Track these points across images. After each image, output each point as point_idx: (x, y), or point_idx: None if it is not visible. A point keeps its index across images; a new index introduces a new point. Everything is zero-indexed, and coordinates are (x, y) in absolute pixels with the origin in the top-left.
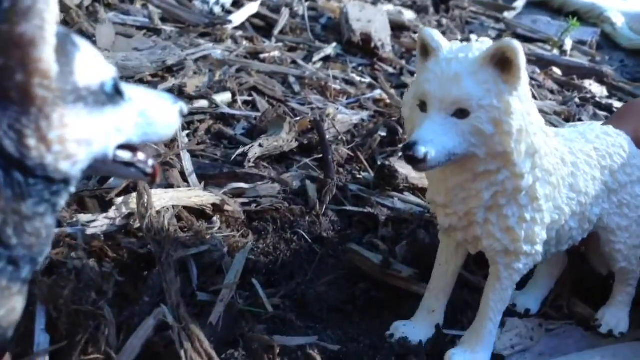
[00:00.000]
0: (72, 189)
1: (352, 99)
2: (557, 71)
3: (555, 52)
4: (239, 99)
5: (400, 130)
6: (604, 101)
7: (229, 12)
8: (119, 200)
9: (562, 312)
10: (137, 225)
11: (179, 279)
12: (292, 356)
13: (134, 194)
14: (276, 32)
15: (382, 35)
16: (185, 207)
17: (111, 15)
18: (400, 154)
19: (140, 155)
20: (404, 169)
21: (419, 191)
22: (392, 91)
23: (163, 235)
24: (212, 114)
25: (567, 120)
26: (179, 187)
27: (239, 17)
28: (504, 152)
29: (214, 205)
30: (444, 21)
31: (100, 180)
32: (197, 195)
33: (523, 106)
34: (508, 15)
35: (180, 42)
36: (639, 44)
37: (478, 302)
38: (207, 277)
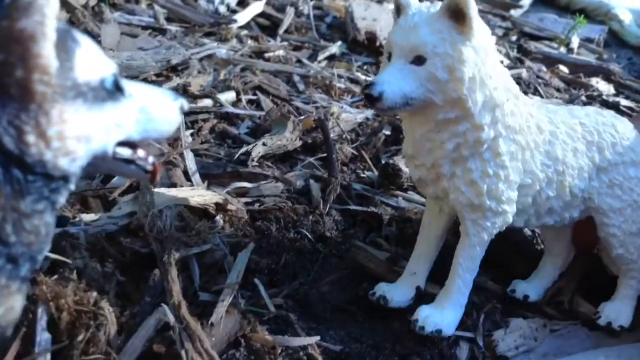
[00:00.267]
0: (72, 186)
1: (357, 98)
2: (563, 69)
3: (562, 50)
4: (244, 97)
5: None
6: (610, 99)
7: (234, 12)
8: (122, 199)
9: (562, 307)
10: (139, 224)
11: (180, 279)
12: (294, 356)
13: (137, 193)
14: (281, 31)
15: (387, 34)
16: (187, 207)
17: (116, 15)
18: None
19: (140, 153)
20: (408, 168)
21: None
22: None
23: (165, 234)
24: (216, 113)
25: None
26: (182, 186)
27: (244, 17)
28: (458, 98)
29: (217, 204)
30: None
31: (104, 180)
32: (200, 195)
33: (477, 56)
34: (514, 13)
35: (185, 41)
36: None
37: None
38: (209, 276)
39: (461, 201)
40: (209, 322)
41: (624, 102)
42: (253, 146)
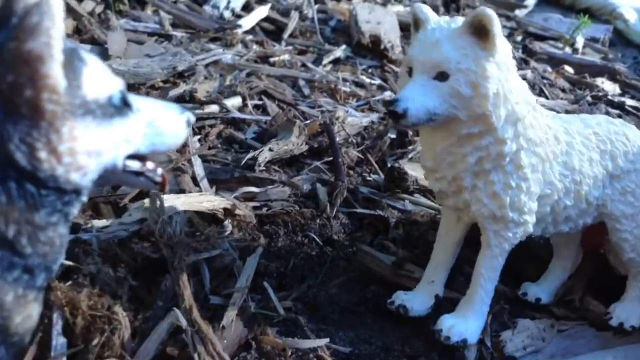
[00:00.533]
0: (84, 199)
1: (362, 101)
2: (569, 69)
3: (567, 50)
4: (249, 103)
5: (410, 133)
6: (616, 99)
7: (239, 17)
8: (133, 205)
9: (573, 305)
10: (150, 230)
11: (191, 283)
12: (304, 358)
13: (147, 200)
14: (286, 35)
15: (391, 37)
16: (196, 212)
17: (122, 22)
18: (410, 155)
19: (149, 165)
20: (414, 171)
21: (429, 193)
22: None
23: (175, 240)
24: (222, 118)
25: None
26: (190, 192)
27: (248, 21)
28: (483, 114)
29: (225, 209)
30: None
31: (114, 186)
32: (209, 200)
33: (500, 72)
34: (519, 13)
35: (191, 47)
36: None
37: None
38: (220, 280)
39: (483, 213)
40: (220, 325)
41: (629, 102)
42: (260, 151)
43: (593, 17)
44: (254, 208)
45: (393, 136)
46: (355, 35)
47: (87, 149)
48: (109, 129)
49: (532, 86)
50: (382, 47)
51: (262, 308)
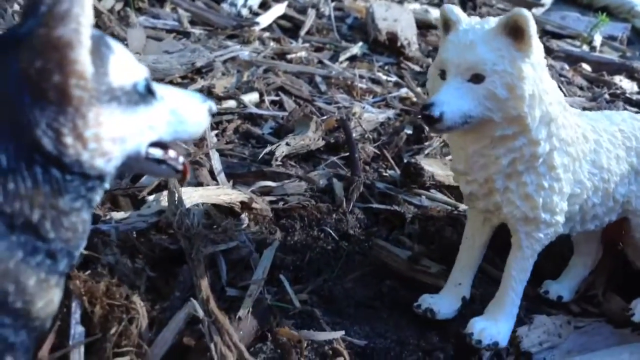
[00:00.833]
0: (107, 185)
1: (379, 98)
2: (586, 67)
3: (585, 48)
4: (267, 99)
5: (427, 128)
6: (634, 97)
7: (256, 14)
8: (151, 198)
9: (596, 301)
10: (168, 222)
11: (208, 275)
12: (320, 350)
13: (165, 192)
14: (303, 32)
15: (408, 34)
16: (214, 205)
17: (142, 19)
18: (426, 151)
19: (172, 153)
20: (430, 167)
21: (446, 189)
22: (419, 89)
23: (193, 231)
24: (240, 113)
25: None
26: (208, 185)
27: (266, 19)
28: (518, 116)
29: (242, 203)
30: None
31: (133, 179)
32: (226, 193)
33: (536, 73)
34: (536, 12)
35: (209, 44)
36: None
37: None
38: (236, 272)
39: (515, 215)
40: (237, 317)
41: None
42: (277, 146)
43: (611, 15)
44: (271, 202)
45: (409, 132)
46: (372, 32)
47: (112, 135)
48: (134, 116)
49: None
50: (398, 44)
51: (278, 300)
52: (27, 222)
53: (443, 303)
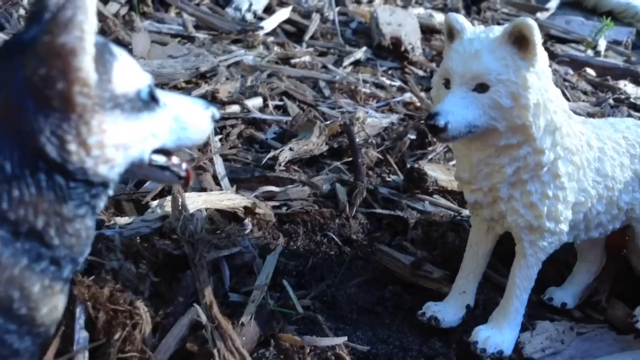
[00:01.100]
0: (111, 192)
1: (382, 103)
2: (590, 72)
3: (589, 52)
4: (270, 103)
5: (429, 134)
6: (639, 102)
7: (261, 19)
8: (155, 203)
9: (600, 307)
10: (171, 227)
11: (211, 280)
12: (322, 356)
13: (169, 197)
14: (307, 37)
15: (412, 39)
16: (217, 210)
17: (146, 23)
18: (430, 156)
19: (175, 159)
20: (433, 172)
21: (449, 194)
22: (422, 94)
23: (196, 237)
24: (243, 118)
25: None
26: (211, 190)
27: (270, 23)
28: (523, 125)
29: (245, 208)
30: (475, 23)
31: (137, 184)
32: (229, 199)
33: (540, 82)
34: (541, 16)
35: (213, 48)
36: None
37: None
38: (239, 278)
39: (519, 223)
40: (240, 322)
41: None
42: (280, 151)
43: (615, 20)
44: (274, 207)
45: (413, 137)
46: (375, 37)
47: (115, 142)
48: (137, 123)
49: None
50: (402, 49)
51: (281, 306)
52: (32, 229)
53: (447, 311)
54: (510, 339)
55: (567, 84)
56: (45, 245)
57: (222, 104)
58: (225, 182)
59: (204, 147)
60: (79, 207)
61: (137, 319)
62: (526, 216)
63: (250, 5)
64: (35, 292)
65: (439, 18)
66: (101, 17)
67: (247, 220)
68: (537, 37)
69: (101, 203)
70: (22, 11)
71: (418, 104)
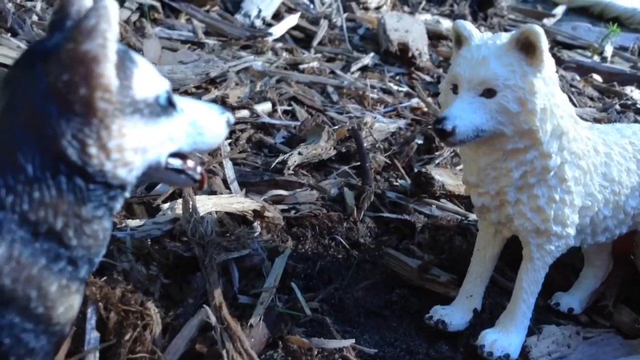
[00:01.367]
0: (128, 194)
1: (390, 108)
2: (597, 78)
3: (596, 58)
4: (279, 108)
5: (437, 138)
6: None
7: (270, 25)
8: (166, 206)
9: (606, 312)
10: (182, 229)
11: (221, 282)
12: (330, 358)
13: (180, 200)
14: (315, 43)
15: (419, 45)
16: (227, 213)
17: (157, 30)
18: (437, 160)
19: (190, 163)
20: (440, 176)
21: (456, 198)
22: (429, 99)
23: (206, 239)
24: (253, 123)
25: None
26: (221, 193)
27: (279, 30)
28: (530, 129)
29: (254, 211)
30: (482, 29)
31: (148, 187)
32: (239, 202)
33: (547, 88)
34: (547, 22)
35: (223, 54)
36: None
37: None
38: (248, 280)
39: (527, 227)
40: (248, 324)
41: None
42: (289, 155)
43: (622, 25)
44: (283, 211)
45: (420, 142)
46: (383, 43)
47: (134, 146)
48: (155, 128)
49: None
50: (409, 54)
51: (289, 308)
52: (51, 229)
53: (455, 315)
54: (517, 343)
55: (573, 89)
56: (64, 246)
57: (231, 109)
58: (234, 185)
59: (214, 151)
60: (97, 208)
61: (148, 320)
62: (533, 220)
63: (260, 11)
64: (53, 292)
65: (446, 24)
66: None
67: (256, 224)
68: (544, 44)
69: (118, 205)
70: (35, 17)
71: (425, 109)
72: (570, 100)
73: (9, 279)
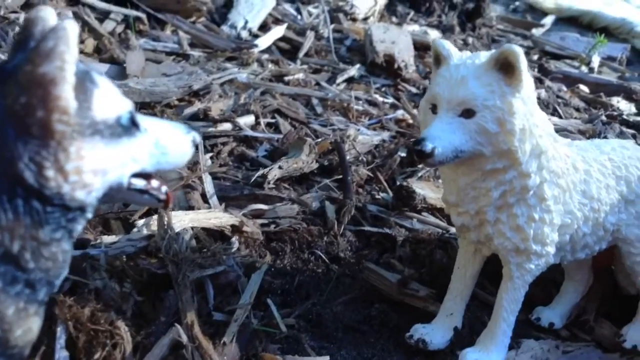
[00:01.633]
0: (89, 215)
1: (374, 120)
2: (584, 88)
3: (583, 69)
4: (262, 121)
5: (416, 159)
6: (631, 118)
7: (256, 36)
8: (141, 222)
9: (587, 326)
10: (157, 246)
11: (196, 299)
12: None
13: (156, 216)
14: (301, 54)
15: (405, 56)
16: (204, 229)
17: (142, 41)
18: (420, 174)
19: (154, 183)
20: (422, 190)
21: (437, 212)
22: (415, 111)
23: (180, 256)
24: (235, 136)
25: (592, 138)
26: (199, 209)
27: (265, 41)
28: (509, 150)
29: (232, 226)
30: (470, 40)
31: (125, 203)
32: (217, 217)
33: (526, 107)
34: (536, 32)
35: (208, 66)
36: None
37: None
38: (224, 297)
39: (506, 246)
40: (221, 342)
41: None
42: (269, 169)
43: (611, 36)
44: (262, 225)
45: (403, 155)
46: (369, 54)
47: (93, 168)
48: (116, 148)
49: (546, 105)
50: (395, 66)
51: (265, 325)
52: (7, 253)
53: (435, 334)
54: None
55: (560, 100)
56: (21, 269)
57: (213, 122)
58: (214, 200)
59: (194, 166)
60: (56, 231)
61: (118, 339)
62: (513, 239)
63: (246, 23)
64: (10, 315)
65: (433, 35)
66: (97, 35)
67: (234, 239)
68: (523, 64)
69: (79, 227)
70: (18, 30)
71: (410, 121)
72: (556, 111)
73: None
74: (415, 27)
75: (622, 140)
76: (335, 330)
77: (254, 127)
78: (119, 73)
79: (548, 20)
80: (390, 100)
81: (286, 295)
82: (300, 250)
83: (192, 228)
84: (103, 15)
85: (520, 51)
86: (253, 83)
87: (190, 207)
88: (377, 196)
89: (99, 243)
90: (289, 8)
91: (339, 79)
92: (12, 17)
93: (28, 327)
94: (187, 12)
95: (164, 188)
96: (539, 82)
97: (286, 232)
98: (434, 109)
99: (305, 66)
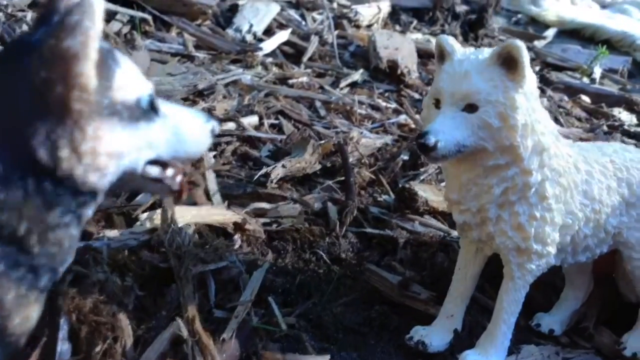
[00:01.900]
0: (100, 201)
1: (377, 124)
2: (585, 99)
3: (585, 80)
4: (266, 122)
5: (419, 153)
6: (632, 129)
7: (261, 40)
8: (144, 216)
9: (587, 333)
10: (159, 240)
11: (197, 296)
12: None
13: (159, 211)
14: (305, 58)
15: (408, 62)
16: (207, 225)
17: (147, 42)
18: (422, 177)
19: (169, 172)
20: (424, 192)
21: (439, 214)
22: (417, 116)
23: (183, 250)
24: (239, 136)
25: None
26: (202, 205)
27: (269, 45)
28: (511, 145)
29: (235, 223)
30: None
31: (128, 197)
32: (220, 214)
33: (528, 103)
34: (538, 44)
35: (212, 68)
36: None
37: None
38: (225, 293)
39: (507, 245)
40: (221, 338)
41: None
42: (272, 168)
43: (613, 48)
44: (264, 224)
45: (406, 158)
46: (373, 60)
47: (108, 151)
48: (134, 132)
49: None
50: (399, 72)
51: (265, 323)
52: (13, 234)
53: (435, 336)
54: None
55: (561, 109)
56: (25, 252)
57: (217, 121)
58: (217, 197)
59: (198, 162)
60: (65, 214)
61: (118, 332)
62: (514, 238)
63: (251, 26)
64: (9, 300)
65: None
66: (103, 35)
67: (237, 236)
68: (526, 59)
69: (89, 212)
70: (25, 27)
71: (412, 126)
72: (558, 120)
73: None
74: (418, 35)
75: (625, 145)
76: (335, 331)
77: (257, 128)
78: None
79: (550, 33)
80: (393, 105)
81: (287, 294)
82: (301, 250)
83: (195, 224)
84: (109, 16)
85: (523, 46)
86: (257, 85)
87: (194, 203)
88: (379, 198)
89: (101, 236)
90: (293, 14)
91: (343, 84)
92: (19, 15)
93: (27, 315)
94: (192, 14)
95: (179, 178)
96: (540, 92)
97: (288, 231)
98: (437, 104)
99: (309, 70)
